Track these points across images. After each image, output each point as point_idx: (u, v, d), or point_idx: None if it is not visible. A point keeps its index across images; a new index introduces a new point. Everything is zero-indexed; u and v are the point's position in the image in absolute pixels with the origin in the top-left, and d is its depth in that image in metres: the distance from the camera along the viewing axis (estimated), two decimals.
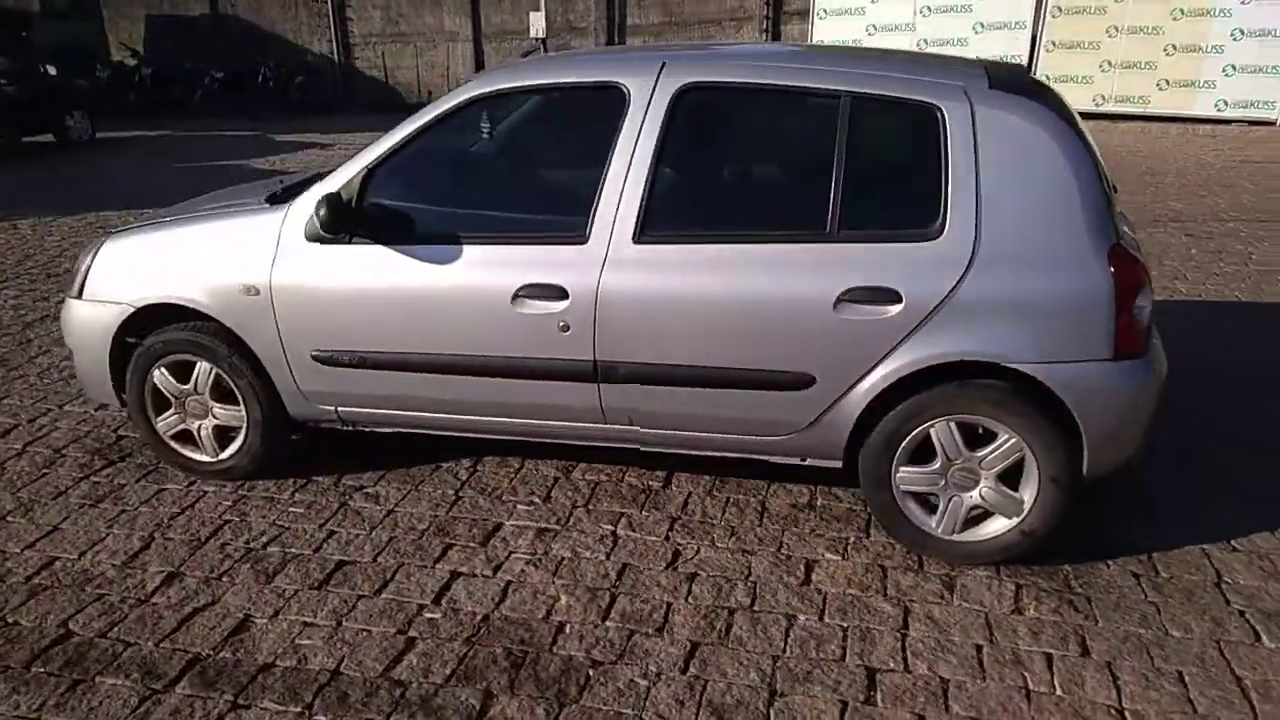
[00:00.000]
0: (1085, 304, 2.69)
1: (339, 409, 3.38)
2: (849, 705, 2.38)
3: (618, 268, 2.92)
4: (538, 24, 17.08)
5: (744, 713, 2.36)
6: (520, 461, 3.64)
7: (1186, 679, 2.48)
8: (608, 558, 3.03)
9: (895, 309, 2.75)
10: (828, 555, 3.04)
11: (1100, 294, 2.67)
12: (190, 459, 3.54)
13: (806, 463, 3.13)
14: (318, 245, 3.15)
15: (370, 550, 3.08)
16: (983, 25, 14.31)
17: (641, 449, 3.24)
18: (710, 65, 3.01)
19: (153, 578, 2.93)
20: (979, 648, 2.60)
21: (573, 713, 2.37)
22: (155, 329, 3.40)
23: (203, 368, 3.38)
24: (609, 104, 2.98)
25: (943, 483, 2.92)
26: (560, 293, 2.96)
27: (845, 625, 2.69)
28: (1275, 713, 2.37)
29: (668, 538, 3.14)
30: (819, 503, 3.34)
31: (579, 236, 2.96)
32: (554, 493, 3.42)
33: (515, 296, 2.99)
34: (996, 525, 2.92)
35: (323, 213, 2.93)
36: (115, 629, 2.69)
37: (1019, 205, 2.72)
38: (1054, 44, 13.92)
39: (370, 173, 3.09)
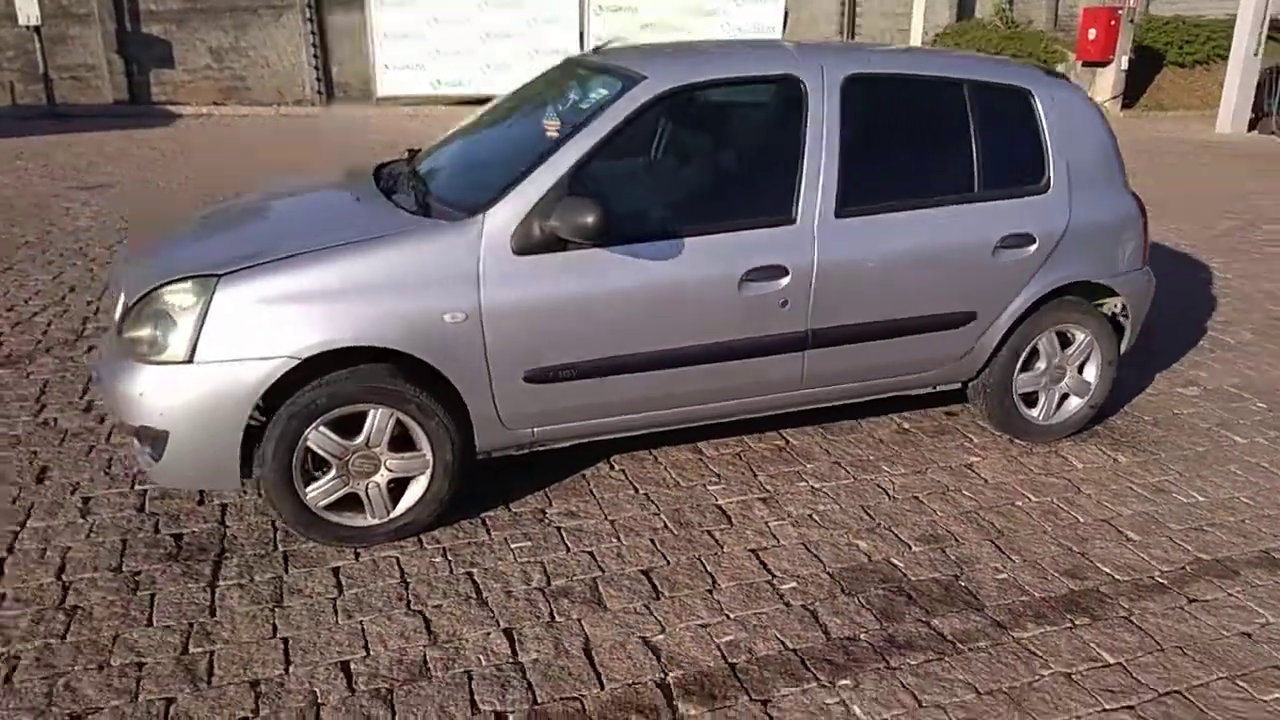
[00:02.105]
0: (1129, 229, 3.72)
1: (536, 430, 3.17)
2: (1052, 508, 3.14)
3: (826, 242, 3.25)
4: (28, 9, 14.27)
5: (1021, 520, 2.99)
6: (649, 453, 3.71)
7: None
8: (840, 505, 3.37)
9: (1031, 249, 3.52)
10: (969, 456, 3.73)
11: (1136, 220, 3.73)
12: (351, 527, 3.02)
13: (938, 388, 3.76)
14: (528, 257, 2.95)
15: (651, 553, 3.03)
16: None
17: (813, 407, 3.59)
18: (859, 58, 3.42)
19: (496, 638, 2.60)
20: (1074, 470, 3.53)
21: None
22: (297, 384, 2.84)
23: (377, 416, 2.92)
24: (785, 94, 3.26)
25: (1045, 380, 3.78)
26: (781, 271, 3.20)
27: (1017, 488, 3.43)
28: None
29: (857, 478, 3.56)
30: (917, 427, 4.00)
31: (788, 218, 3.22)
32: (721, 469, 3.60)
33: (742, 280, 3.16)
34: (1073, 404, 3.86)
35: (592, 220, 2.79)
36: None
37: (1084, 159, 3.64)
38: (599, 38, 15.48)
39: (575, 175, 2.98)
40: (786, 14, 15.73)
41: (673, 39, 15.17)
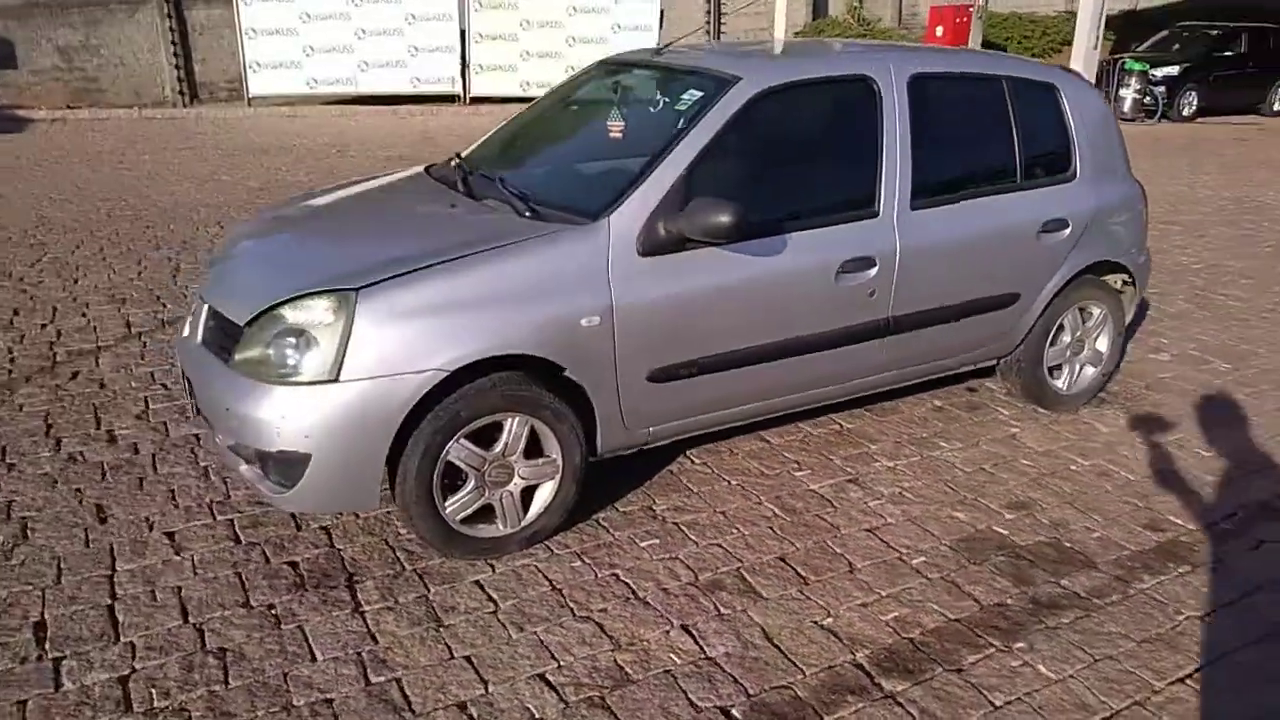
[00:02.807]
0: (1137, 213, 4.10)
1: (652, 429, 3.20)
2: (1104, 470, 3.48)
3: (904, 234, 3.43)
4: None
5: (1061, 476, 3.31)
6: (721, 445, 3.79)
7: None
8: (922, 482, 3.57)
9: (1065, 232, 3.82)
10: (1009, 428, 4.01)
11: (1141, 204, 4.11)
12: (486, 539, 2.97)
13: (978, 365, 4.02)
14: (652, 258, 2.98)
15: (778, 540, 3.12)
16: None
17: (883, 390, 3.78)
18: (916, 58, 3.60)
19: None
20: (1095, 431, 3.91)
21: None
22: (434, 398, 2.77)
23: (514, 424, 2.89)
24: (862, 94, 3.41)
25: (1069, 353, 4.11)
26: (869, 262, 3.35)
27: (1065, 453, 3.75)
28: None
29: (923, 455, 3.77)
30: (950, 405, 4.25)
31: (872, 211, 3.38)
32: (796, 456, 3.73)
33: (838, 273, 3.30)
34: (1089, 374, 4.22)
35: (729, 219, 2.84)
36: None
37: (1100, 149, 3.98)
38: (480, 35, 15.17)
39: (690, 174, 3.04)
40: (662, 13, 15.95)
41: (555, 34, 15.11)
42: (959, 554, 3.09)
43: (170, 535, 3.09)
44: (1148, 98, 16.46)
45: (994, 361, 4.07)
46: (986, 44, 18.81)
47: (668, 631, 2.68)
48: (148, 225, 7.26)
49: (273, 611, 2.73)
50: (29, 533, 3.08)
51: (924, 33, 20.48)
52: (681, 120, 3.15)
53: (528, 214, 3.06)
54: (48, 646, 2.55)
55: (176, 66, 14.63)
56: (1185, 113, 16.83)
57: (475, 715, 2.35)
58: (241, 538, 3.09)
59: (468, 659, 2.55)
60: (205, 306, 3.05)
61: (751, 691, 2.45)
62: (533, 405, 2.88)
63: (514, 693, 2.43)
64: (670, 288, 3.01)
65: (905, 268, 3.42)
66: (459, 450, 2.82)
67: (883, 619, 2.75)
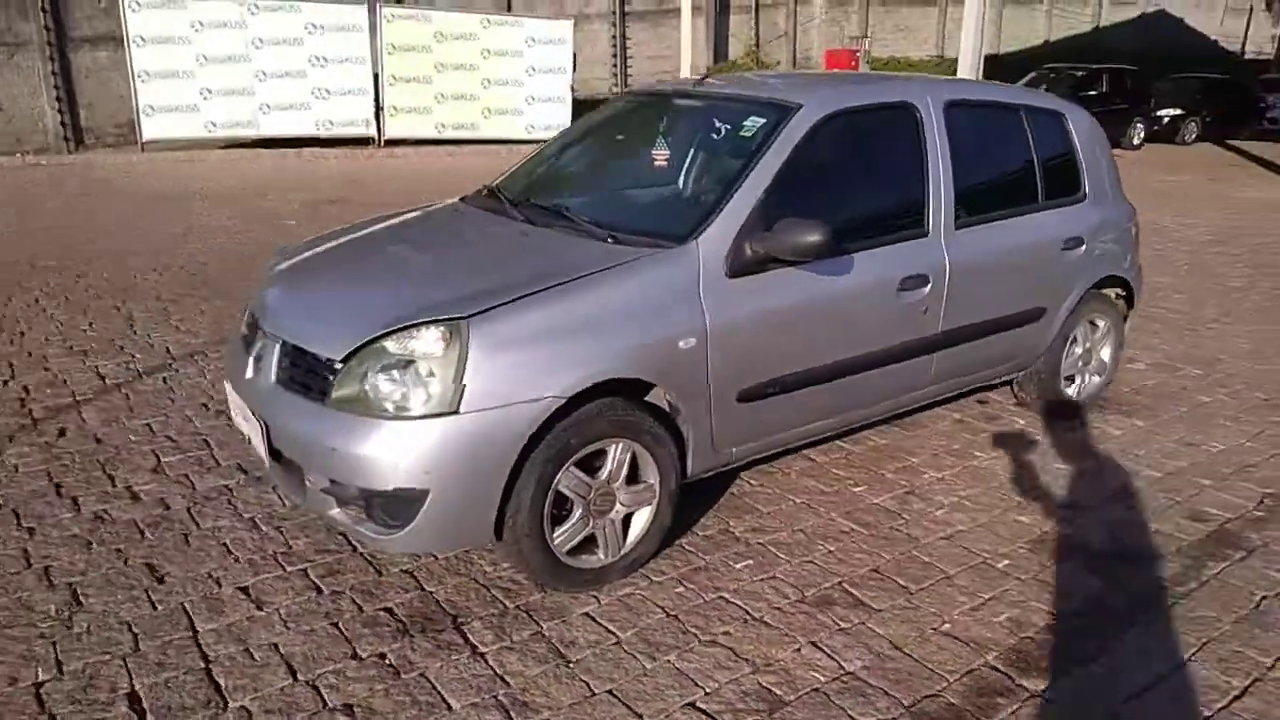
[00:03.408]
0: (1132, 230, 4.39)
1: (735, 450, 3.20)
2: (1129, 470, 3.70)
3: (952, 252, 3.56)
4: None
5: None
6: (770, 466, 3.82)
7: None
8: (976, 490, 3.68)
9: (1081, 250, 4.05)
10: (1032, 436, 4.19)
11: (1132, 224, 4.39)
12: (590, 569, 2.89)
13: (1006, 377, 4.19)
14: (738, 279, 3.00)
15: (865, 554, 3.16)
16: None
17: (927, 403, 3.89)
18: (947, 88, 3.77)
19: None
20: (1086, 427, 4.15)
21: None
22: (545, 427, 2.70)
23: (618, 450, 2.84)
24: (907, 119, 3.55)
25: (1080, 364, 4.33)
26: (924, 280, 3.47)
27: (1090, 457, 3.95)
28: None
29: (964, 465, 3.89)
30: (968, 417, 4.41)
31: (922, 231, 3.51)
32: (847, 472, 3.79)
33: (898, 290, 3.40)
34: (1095, 382, 4.46)
35: (817, 238, 2.89)
36: None
37: (1100, 171, 4.25)
38: (394, 78, 14.95)
39: (768, 197, 3.09)
40: (575, 55, 16.15)
41: (470, 77, 14.99)
42: (1038, 555, 3.19)
43: (244, 590, 2.88)
44: None
45: (1017, 374, 4.24)
46: None
47: (799, 649, 2.67)
48: (78, 275, 6.81)
49: (386, 661, 2.58)
50: (82, 598, 2.82)
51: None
52: (752, 145, 3.20)
53: (609, 240, 3.04)
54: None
55: (60, 111, 13.86)
56: None
57: None
58: (322, 587, 2.91)
59: (610, 694, 2.47)
60: (278, 344, 2.88)
61: (906, 703, 2.46)
62: (635, 430, 2.85)
63: None
64: (756, 307, 3.03)
65: (953, 284, 3.55)
66: (568, 479, 2.75)
67: (995, 621, 2.82)
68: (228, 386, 3.13)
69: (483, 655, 2.61)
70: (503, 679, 2.52)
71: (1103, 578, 3.06)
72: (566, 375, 2.64)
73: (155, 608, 2.79)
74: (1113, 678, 2.56)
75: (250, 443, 3.04)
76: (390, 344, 2.61)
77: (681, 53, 18.79)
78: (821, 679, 2.54)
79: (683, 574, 3.04)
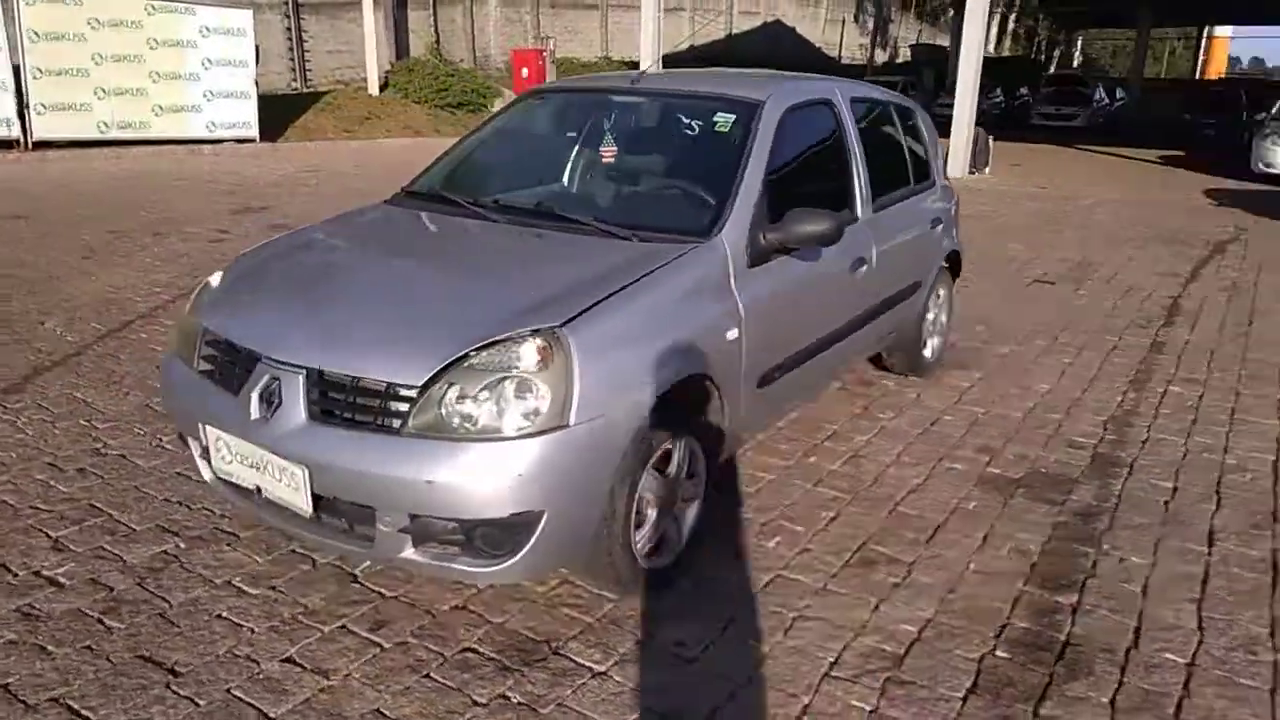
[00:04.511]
0: (954, 212, 5.06)
1: (743, 435, 3.31)
2: (1001, 415, 4.43)
3: (875, 234, 3.93)
4: None
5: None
6: None
7: None
8: (906, 443, 4.09)
9: (940, 228, 4.63)
10: (910, 393, 4.72)
11: (954, 206, 5.08)
12: (657, 569, 2.85)
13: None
14: (755, 268, 3.12)
15: (868, 511, 3.42)
16: None
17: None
18: (847, 85, 4.08)
19: None
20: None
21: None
22: None
23: (681, 447, 2.84)
24: (828, 114, 3.84)
25: (931, 329, 4.94)
26: (863, 261, 3.80)
27: (966, 407, 4.59)
28: None
29: (882, 425, 4.30)
30: (847, 383, 4.85)
31: (855, 216, 3.83)
32: (784, 444, 4.04)
33: (850, 269, 3.70)
34: (938, 343, 5.09)
35: (829, 226, 3.07)
36: None
37: (939, 159, 4.86)
38: (40, 70, 12.92)
39: (764, 188, 3.23)
40: (258, 49, 14.90)
41: (135, 70, 13.33)
42: (990, 493, 3.65)
43: (293, 661, 2.51)
44: None
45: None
46: None
47: (877, 608, 2.85)
48: None
49: (515, 701, 2.39)
50: (91, 715, 2.29)
51: (501, 73, 21.52)
52: (735, 140, 3.31)
53: (634, 239, 3.01)
54: None
55: None
56: None
57: None
58: (381, 641, 2.61)
59: (750, 682, 2.50)
60: (300, 375, 2.52)
61: (991, 633, 2.74)
62: (690, 426, 2.87)
63: (830, 698, 2.45)
64: (771, 295, 3.16)
65: (879, 263, 3.92)
66: (647, 482, 2.71)
67: (1002, 554, 3.20)
68: (210, 433, 2.67)
69: (604, 674, 2.51)
70: (642, 691, 2.44)
71: (1048, 504, 3.57)
72: (653, 377, 2.60)
73: (196, 703, 2.34)
74: (1123, 584, 3.03)
75: (257, 496, 2.64)
76: (481, 360, 2.41)
77: (366, 48, 18.02)
78: (913, 629, 2.75)
79: (730, 561, 3.10)
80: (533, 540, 2.41)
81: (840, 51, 40.73)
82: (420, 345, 2.45)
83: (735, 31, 33.78)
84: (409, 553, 2.47)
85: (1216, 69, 54.24)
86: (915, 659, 2.61)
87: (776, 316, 3.20)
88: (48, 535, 3.10)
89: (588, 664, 2.54)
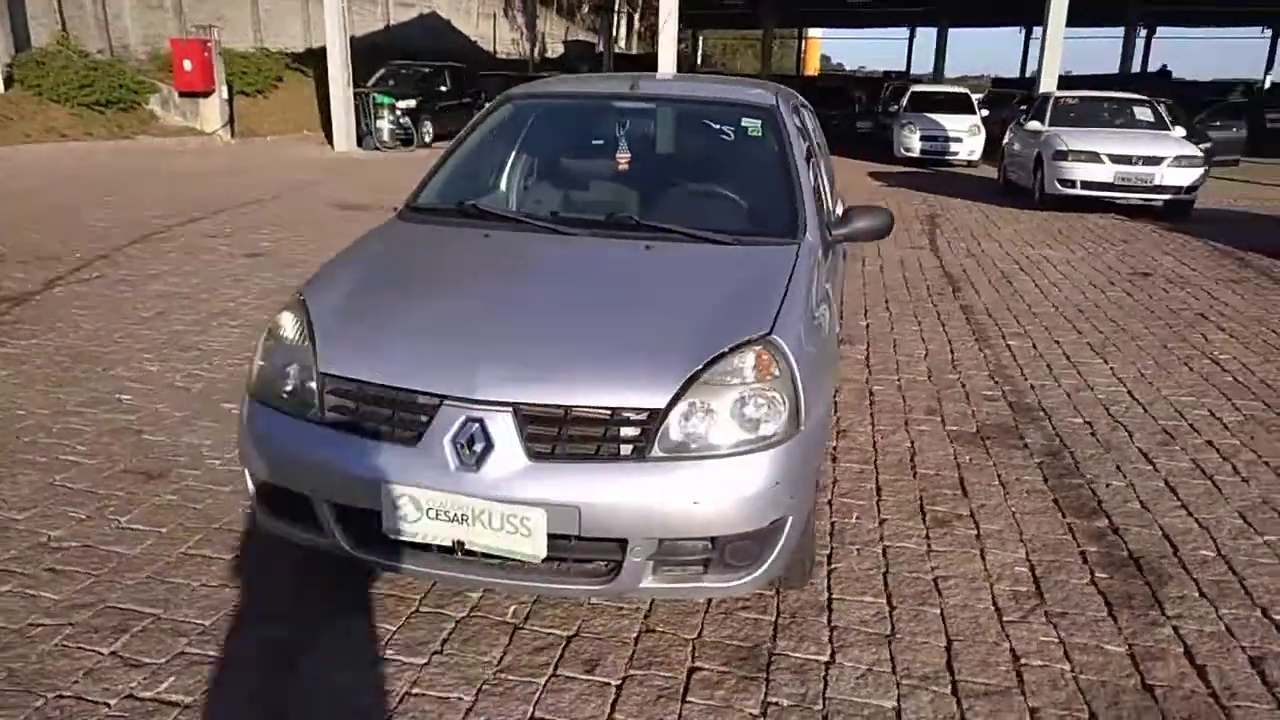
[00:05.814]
0: None
1: None
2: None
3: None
4: None
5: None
6: None
7: None
8: (857, 399, 4.49)
9: None
10: None
11: None
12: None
13: None
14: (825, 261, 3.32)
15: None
16: None
17: None
18: (786, 92, 4.31)
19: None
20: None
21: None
22: None
23: None
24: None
25: None
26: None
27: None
28: None
29: None
30: None
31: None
32: None
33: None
34: None
35: (887, 220, 3.36)
36: None
37: None
38: None
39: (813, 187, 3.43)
40: None
41: None
42: (967, 449, 4.14)
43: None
44: (397, 127, 18.46)
45: None
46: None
47: (982, 559, 3.18)
48: None
49: (787, 705, 2.40)
50: None
51: (145, 65, 19.13)
52: (770, 143, 3.46)
53: (736, 244, 3.06)
54: None
55: None
56: (427, 140, 19.34)
57: None
58: (607, 680, 2.47)
59: (951, 642, 2.71)
60: (507, 413, 2.30)
61: (1093, 558, 3.18)
62: None
63: (1024, 641, 2.73)
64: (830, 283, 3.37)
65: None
66: None
67: (1031, 500, 3.68)
68: (388, 491, 2.34)
69: (833, 662, 2.59)
70: (877, 671, 2.56)
71: (1018, 449, 4.14)
72: (831, 375, 2.72)
73: None
74: (1112, 493, 3.63)
75: (459, 551, 2.36)
76: (710, 375, 2.37)
77: None
78: (1025, 571, 3.12)
79: (834, 543, 3.26)
80: (778, 547, 2.42)
81: (494, 46, 41.11)
82: (648, 368, 2.36)
83: (393, 23, 32.82)
84: (648, 582, 2.37)
85: (813, 67, 61.88)
86: (1052, 594, 2.97)
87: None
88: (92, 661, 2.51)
89: (813, 657, 2.60)
